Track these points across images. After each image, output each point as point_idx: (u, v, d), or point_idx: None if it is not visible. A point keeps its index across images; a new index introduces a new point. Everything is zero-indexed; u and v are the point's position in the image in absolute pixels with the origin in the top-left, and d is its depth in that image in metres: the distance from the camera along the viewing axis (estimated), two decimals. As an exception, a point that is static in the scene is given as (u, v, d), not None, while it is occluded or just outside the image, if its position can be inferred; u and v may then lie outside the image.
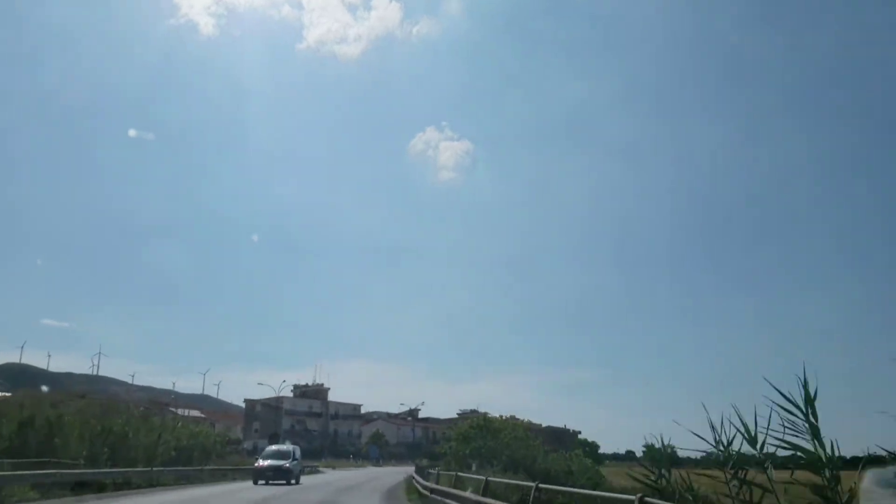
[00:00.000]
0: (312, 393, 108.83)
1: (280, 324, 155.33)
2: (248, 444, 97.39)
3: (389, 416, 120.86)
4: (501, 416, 55.31)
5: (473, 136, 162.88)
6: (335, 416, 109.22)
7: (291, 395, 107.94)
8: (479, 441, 29.48)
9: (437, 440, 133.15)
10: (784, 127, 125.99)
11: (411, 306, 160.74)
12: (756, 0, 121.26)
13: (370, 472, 54.46)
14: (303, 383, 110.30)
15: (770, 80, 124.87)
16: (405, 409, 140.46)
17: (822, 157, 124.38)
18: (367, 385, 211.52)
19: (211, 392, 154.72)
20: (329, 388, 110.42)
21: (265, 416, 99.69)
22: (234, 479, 33.30)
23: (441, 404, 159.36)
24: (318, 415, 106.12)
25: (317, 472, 52.00)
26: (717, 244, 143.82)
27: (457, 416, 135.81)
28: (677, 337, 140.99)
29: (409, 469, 62.20)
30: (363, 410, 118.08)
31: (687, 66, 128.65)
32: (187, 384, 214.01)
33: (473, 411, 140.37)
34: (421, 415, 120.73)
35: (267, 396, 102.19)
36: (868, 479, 4.79)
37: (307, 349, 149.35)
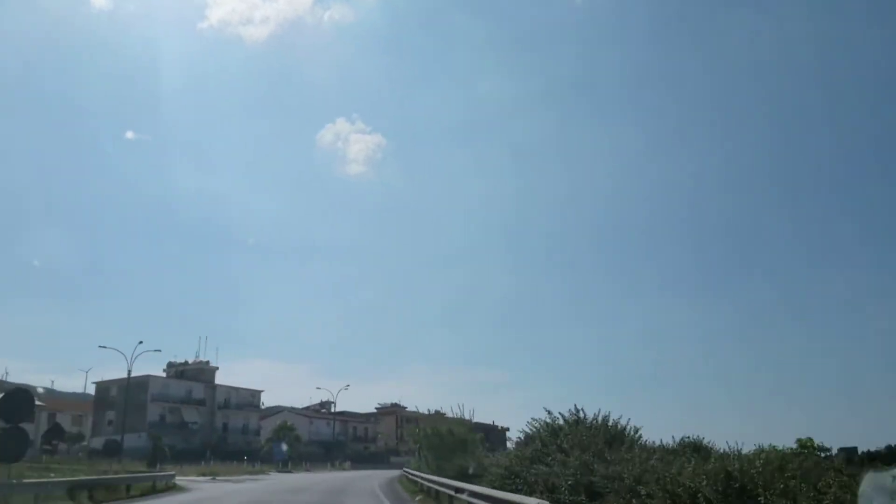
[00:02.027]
0: (193, 373, 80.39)
1: (174, 321, 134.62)
2: (97, 442, 68.89)
3: (294, 411, 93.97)
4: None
5: (386, 130, 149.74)
6: (225, 405, 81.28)
7: (164, 375, 79.27)
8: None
9: (359, 437, 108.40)
10: (692, 138, 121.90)
11: (316, 304, 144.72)
12: (673, 6, 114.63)
13: (276, 487, 28.91)
14: (181, 360, 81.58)
15: (682, 91, 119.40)
16: (316, 401, 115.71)
17: (729, 169, 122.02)
18: (272, 384, 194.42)
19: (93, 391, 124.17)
20: (217, 368, 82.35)
21: (123, 403, 70.64)
22: None
23: (353, 404, 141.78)
24: (201, 402, 77.95)
25: (172, 488, 25.90)
26: (618, 249, 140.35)
27: (375, 410, 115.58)
28: (578, 339, 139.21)
29: (346, 481, 38.89)
30: (264, 404, 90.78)
31: (605, 68, 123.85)
32: (69, 383, 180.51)
33: (395, 405, 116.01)
34: (336, 408, 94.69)
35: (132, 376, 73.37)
36: (867, 483, 4.76)
37: (204, 346, 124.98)
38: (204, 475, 40.84)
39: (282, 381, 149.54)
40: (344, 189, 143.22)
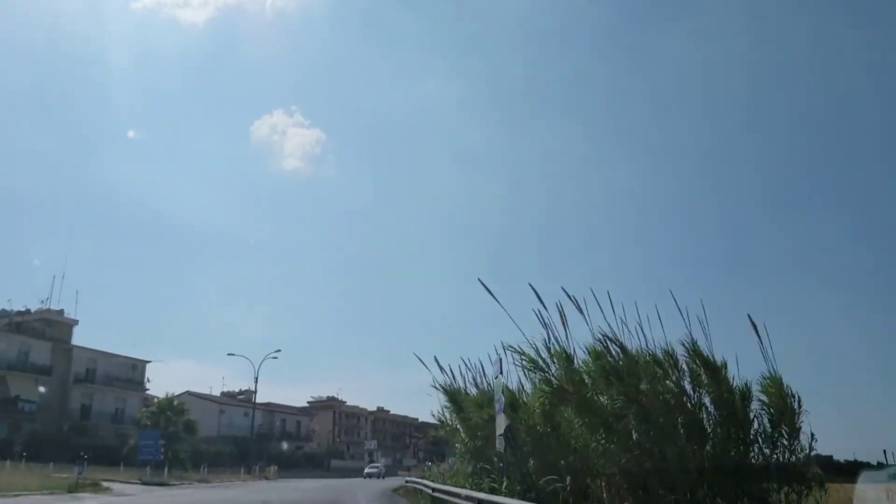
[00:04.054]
0: (36, 328, 52.56)
1: (95, 316, 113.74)
2: None
3: (197, 395, 67.78)
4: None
5: (325, 125, 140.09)
6: (87, 378, 53.75)
7: (-9, 328, 51.27)
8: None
9: (289, 433, 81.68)
10: (635, 144, 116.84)
11: (242, 302, 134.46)
12: (614, 15, 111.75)
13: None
14: (20, 309, 53.72)
15: (625, 97, 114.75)
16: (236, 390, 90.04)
17: (672, 173, 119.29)
18: (195, 385, 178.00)
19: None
20: (76, 322, 54.73)
21: None
22: None
23: (280, 399, 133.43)
24: (44, 370, 50.14)
25: None
26: (559, 252, 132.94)
27: (307, 404, 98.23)
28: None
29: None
30: (150, 382, 63.31)
31: (549, 74, 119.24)
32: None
33: (332, 399, 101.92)
34: (261, 399, 69.01)
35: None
36: (862, 481, 4.88)
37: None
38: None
39: (206, 381, 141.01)
40: (278, 184, 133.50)
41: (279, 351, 55.75)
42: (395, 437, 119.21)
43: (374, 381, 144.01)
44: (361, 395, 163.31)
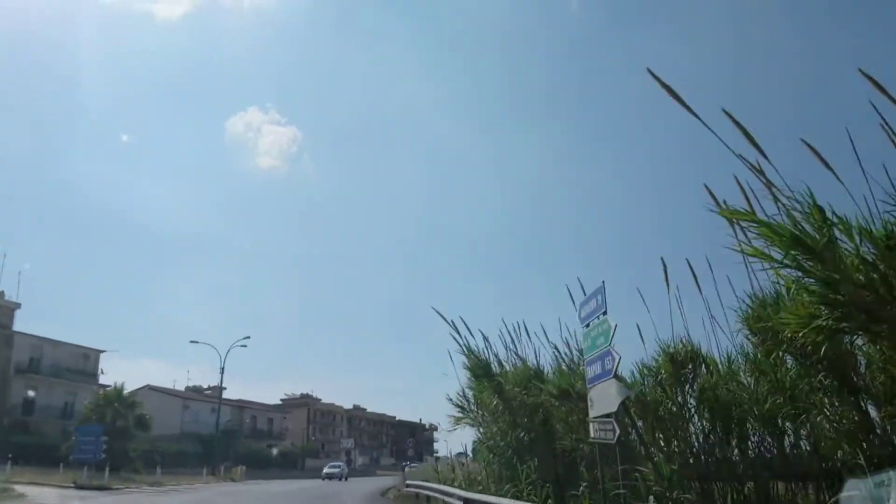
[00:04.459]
0: (-28, 309, 46.71)
1: (54, 317, 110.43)
2: None
3: (160, 390, 62.34)
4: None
5: (302, 123, 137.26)
6: (28, 369, 47.88)
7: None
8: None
9: (260, 430, 76.12)
10: (608, 150, 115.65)
11: (216, 302, 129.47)
12: (592, 17, 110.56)
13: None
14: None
15: (602, 99, 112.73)
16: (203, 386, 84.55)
17: (650, 175, 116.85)
18: (159, 384, 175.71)
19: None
20: (19, 306, 48.68)
21: None
22: None
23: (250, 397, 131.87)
24: (-22, 358, 44.42)
25: None
26: (540, 253, 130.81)
27: (281, 401, 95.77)
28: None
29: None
30: (104, 373, 57.48)
31: (527, 76, 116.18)
32: None
33: (305, 396, 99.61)
34: (232, 397, 64.06)
35: None
36: (847, 490, 4.64)
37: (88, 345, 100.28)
38: None
39: (167, 381, 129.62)
40: (252, 183, 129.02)
41: (248, 338, 50.73)
42: (371, 435, 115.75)
43: (349, 380, 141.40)
44: (337, 394, 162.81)
